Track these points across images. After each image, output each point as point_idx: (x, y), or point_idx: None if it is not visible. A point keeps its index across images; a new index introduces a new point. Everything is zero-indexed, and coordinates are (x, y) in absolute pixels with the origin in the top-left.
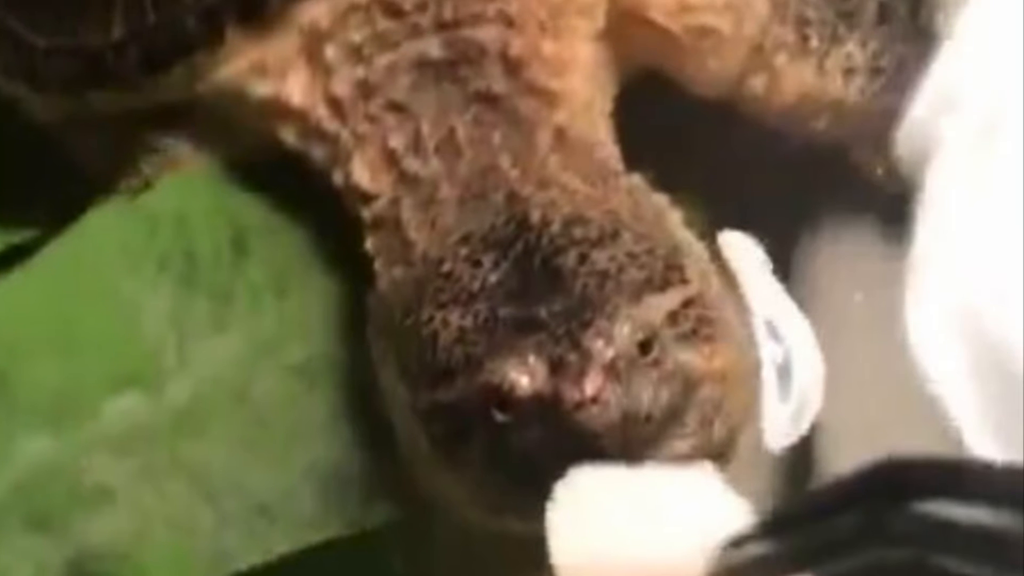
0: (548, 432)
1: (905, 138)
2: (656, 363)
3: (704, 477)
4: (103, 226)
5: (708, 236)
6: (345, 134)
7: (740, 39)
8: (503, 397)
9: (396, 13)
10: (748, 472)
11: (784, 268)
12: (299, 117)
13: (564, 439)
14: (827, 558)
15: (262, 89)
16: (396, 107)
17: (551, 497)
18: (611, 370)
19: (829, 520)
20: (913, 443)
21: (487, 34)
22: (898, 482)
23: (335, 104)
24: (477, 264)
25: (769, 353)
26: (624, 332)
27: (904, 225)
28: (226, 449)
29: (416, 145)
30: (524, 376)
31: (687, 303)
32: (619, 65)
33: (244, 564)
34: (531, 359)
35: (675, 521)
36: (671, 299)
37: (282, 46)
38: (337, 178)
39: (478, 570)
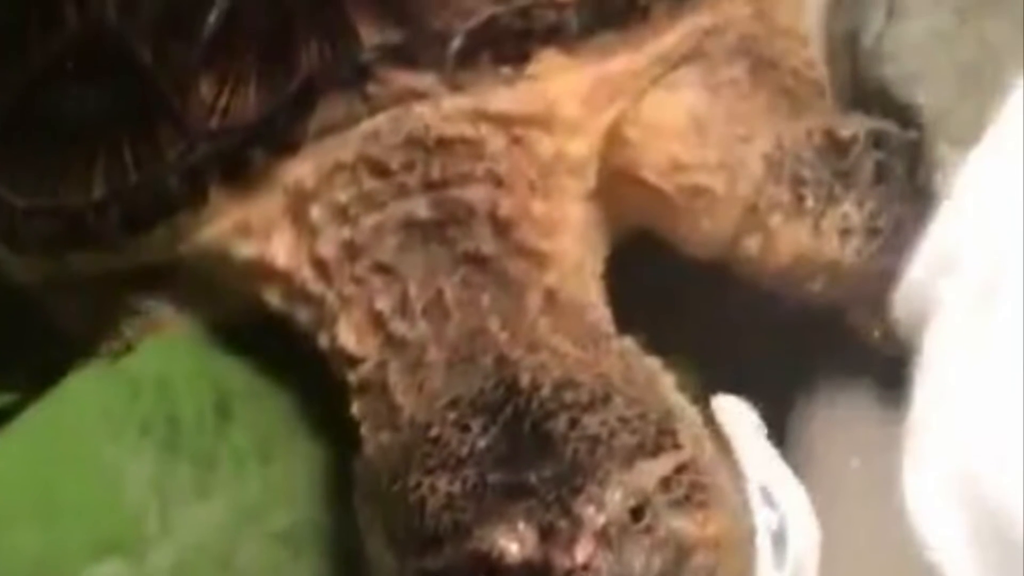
0: None
1: (903, 300)
2: (648, 530)
3: None
4: (84, 390)
5: (701, 400)
6: (331, 296)
7: (734, 199)
8: (492, 564)
9: (383, 172)
10: None
11: (779, 433)
12: (284, 279)
13: None
14: None
15: (246, 250)
16: (383, 268)
17: None
18: (602, 537)
19: None
20: None
21: (476, 194)
22: None
23: (320, 265)
24: (466, 429)
25: (764, 520)
26: (616, 498)
27: (901, 389)
28: None
29: (403, 307)
30: (514, 543)
31: (680, 469)
32: (610, 225)
33: None
34: (521, 526)
35: None
36: (664, 465)
37: (266, 206)
38: (322, 341)
39: None
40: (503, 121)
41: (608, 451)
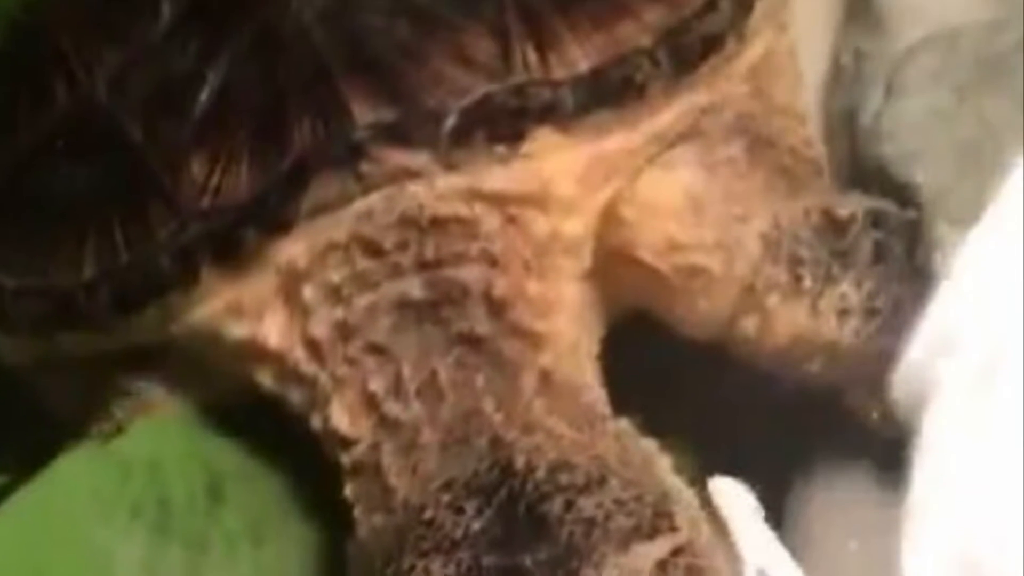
0: None
1: (901, 381)
2: None
3: None
4: (74, 472)
5: (698, 482)
6: (323, 377)
7: (731, 279)
8: None
9: (376, 252)
10: None
11: (777, 515)
12: (276, 359)
13: None
14: None
15: (238, 330)
16: (376, 349)
17: None
18: None
19: None
20: None
21: (470, 274)
22: None
23: (313, 346)
24: (460, 511)
25: None
26: None
27: (900, 471)
28: None
29: (397, 388)
30: None
31: (676, 551)
32: (606, 305)
33: None
34: None
35: None
36: (660, 547)
37: (258, 286)
38: (315, 422)
39: None
40: (498, 200)
41: (604, 534)
